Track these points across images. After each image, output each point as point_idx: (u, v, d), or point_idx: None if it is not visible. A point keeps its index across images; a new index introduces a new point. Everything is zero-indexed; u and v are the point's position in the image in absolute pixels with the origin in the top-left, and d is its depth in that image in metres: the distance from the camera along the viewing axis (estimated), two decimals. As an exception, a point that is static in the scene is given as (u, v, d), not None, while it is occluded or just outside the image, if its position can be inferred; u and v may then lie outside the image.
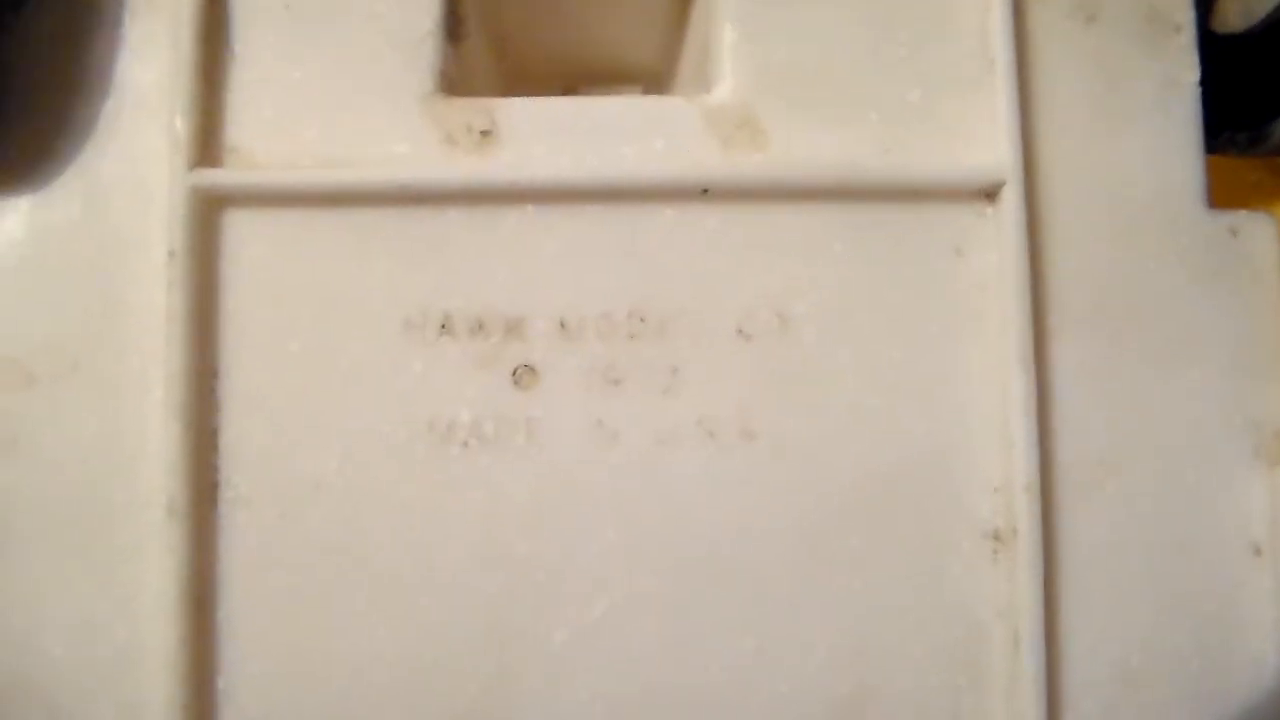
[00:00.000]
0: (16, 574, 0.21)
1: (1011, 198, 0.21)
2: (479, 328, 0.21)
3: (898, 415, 0.21)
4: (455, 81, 0.22)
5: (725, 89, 0.22)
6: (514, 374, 0.21)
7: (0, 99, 0.22)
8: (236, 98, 0.22)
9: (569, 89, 0.28)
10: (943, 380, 0.22)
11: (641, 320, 0.21)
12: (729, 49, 0.22)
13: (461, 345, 0.21)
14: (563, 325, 0.21)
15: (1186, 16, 0.23)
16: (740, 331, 0.22)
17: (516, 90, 0.23)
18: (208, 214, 0.21)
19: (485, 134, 0.22)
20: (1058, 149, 0.22)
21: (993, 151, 0.22)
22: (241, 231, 0.21)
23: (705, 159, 0.22)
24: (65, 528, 0.21)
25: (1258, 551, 0.22)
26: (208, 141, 0.21)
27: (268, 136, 0.22)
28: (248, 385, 0.21)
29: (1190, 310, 0.22)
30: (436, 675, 0.21)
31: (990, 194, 0.22)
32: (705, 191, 0.21)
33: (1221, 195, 0.23)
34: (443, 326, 0.21)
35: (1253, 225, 0.23)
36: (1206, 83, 0.22)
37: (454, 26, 0.22)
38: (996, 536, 0.21)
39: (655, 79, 0.28)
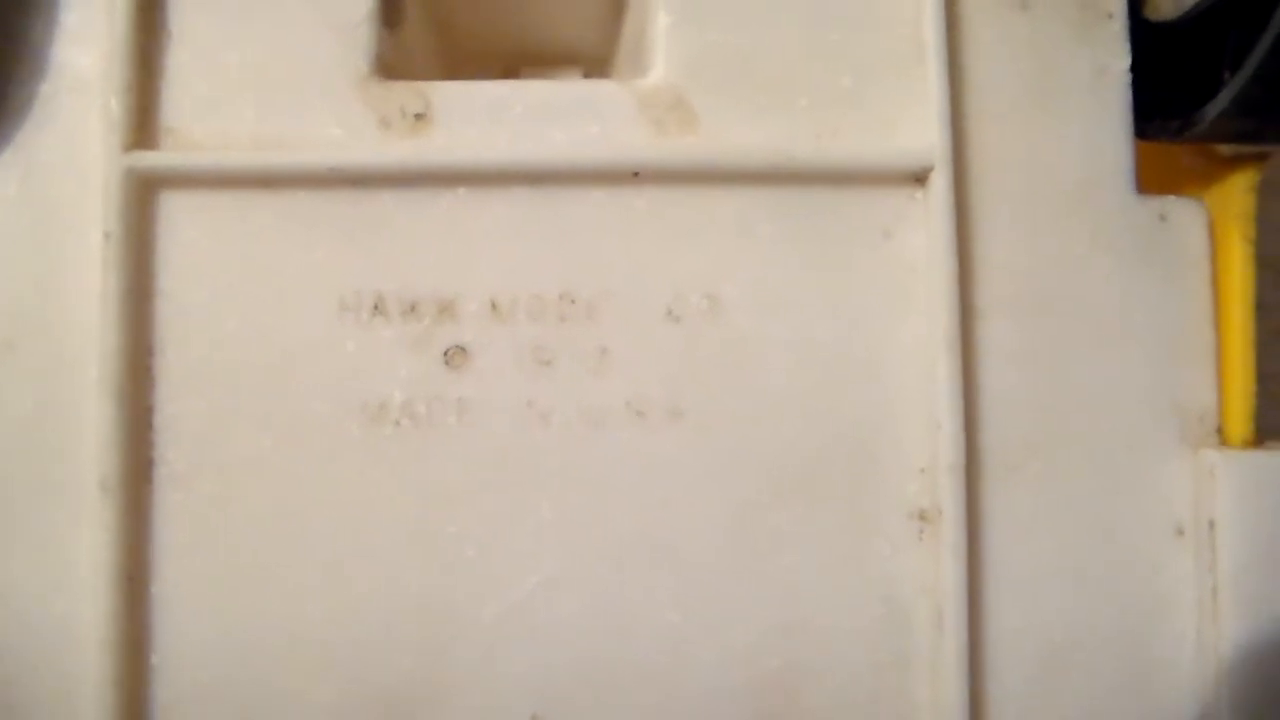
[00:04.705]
0: (-45, 549, 0.21)
1: (940, 182, 0.22)
2: (411, 309, 0.22)
3: (825, 396, 0.22)
4: (393, 65, 0.23)
5: (658, 73, 0.22)
6: (445, 354, 0.22)
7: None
8: (172, 79, 0.22)
9: (510, 73, 0.28)
10: (870, 362, 0.22)
11: (572, 302, 0.22)
12: (662, 33, 0.22)
13: (394, 326, 0.22)
14: (494, 306, 0.22)
15: (1118, 4, 0.23)
16: (670, 313, 0.22)
17: (458, 74, 0.23)
18: (143, 195, 0.21)
19: (419, 117, 0.22)
20: (988, 134, 0.22)
21: (923, 136, 0.22)
22: (177, 213, 0.22)
23: (636, 142, 0.22)
24: (1, 504, 0.21)
25: (1180, 532, 0.22)
26: (143, 123, 0.22)
27: (203, 119, 0.22)
28: (183, 364, 0.21)
29: (1118, 295, 0.22)
30: (368, 651, 0.21)
31: (920, 178, 0.22)
32: (636, 174, 0.22)
33: (1151, 181, 0.23)
34: (376, 307, 0.22)
35: (1181, 210, 0.23)
36: (1137, 69, 0.23)
37: (390, 11, 0.23)
38: (922, 516, 0.22)
39: (597, 64, 0.28)
